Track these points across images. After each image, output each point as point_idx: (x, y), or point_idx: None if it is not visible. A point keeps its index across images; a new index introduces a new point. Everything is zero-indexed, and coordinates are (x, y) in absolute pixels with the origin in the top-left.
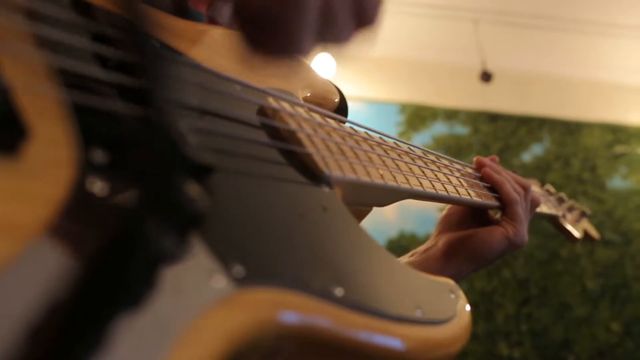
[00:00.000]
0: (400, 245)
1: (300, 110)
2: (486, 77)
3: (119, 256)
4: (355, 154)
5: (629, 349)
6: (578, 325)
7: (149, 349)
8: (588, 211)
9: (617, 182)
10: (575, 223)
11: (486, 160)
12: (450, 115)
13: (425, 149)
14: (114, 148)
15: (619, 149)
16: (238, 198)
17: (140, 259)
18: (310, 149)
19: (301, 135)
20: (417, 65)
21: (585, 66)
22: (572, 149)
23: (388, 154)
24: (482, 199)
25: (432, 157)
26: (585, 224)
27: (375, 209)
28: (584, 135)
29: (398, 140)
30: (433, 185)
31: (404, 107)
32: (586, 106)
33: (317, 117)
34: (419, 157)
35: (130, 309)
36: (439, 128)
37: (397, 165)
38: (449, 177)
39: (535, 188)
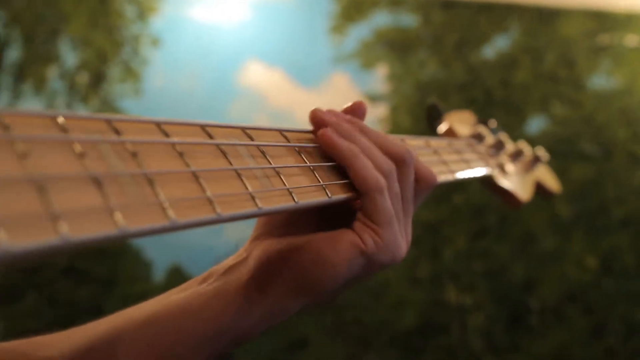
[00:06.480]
0: None
1: None
2: None
3: None
4: None
5: (607, 289)
6: (544, 261)
7: None
8: (544, 155)
9: (599, 80)
10: (524, 174)
11: (328, 114)
12: (395, 1)
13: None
14: None
15: (603, 39)
16: None
17: None
18: None
19: None
20: None
21: None
22: (545, 40)
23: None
24: (314, 197)
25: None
26: (541, 173)
27: None
28: (561, 23)
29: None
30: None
31: None
32: None
33: None
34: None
35: None
36: (381, 19)
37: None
38: (242, 173)
39: (461, 129)
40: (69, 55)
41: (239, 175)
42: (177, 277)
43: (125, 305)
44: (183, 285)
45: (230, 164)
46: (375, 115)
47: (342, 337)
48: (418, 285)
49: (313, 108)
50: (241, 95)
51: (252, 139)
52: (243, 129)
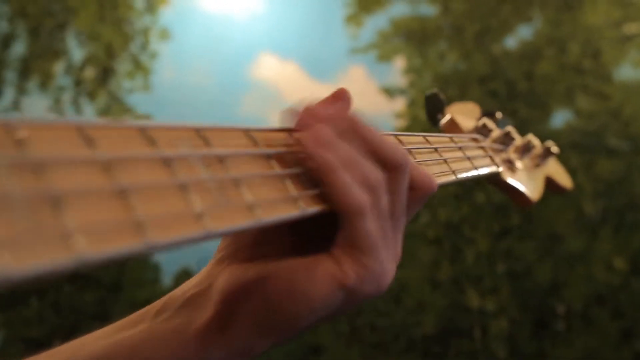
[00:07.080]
0: None
1: None
2: None
3: None
4: None
5: (637, 291)
6: (570, 263)
7: None
8: (555, 148)
9: (627, 71)
10: (534, 170)
11: (305, 114)
12: None
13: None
14: None
15: (629, 28)
16: None
17: None
18: None
19: None
20: None
21: None
22: (569, 30)
23: None
24: (282, 212)
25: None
26: (551, 168)
27: None
28: (586, 12)
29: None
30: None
31: None
32: None
33: None
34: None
35: None
36: (399, 8)
37: None
38: (189, 186)
39: (465, 121)
40: (76, 50)
41: (183, 188)
42: (186, 281)
43: (131, 311)
44: (135, 317)
45: (174, 174)
46: (393, 110)
47: (358, 343)
48: (438, 288)
49: (286, 105)
50: (254, 89)
51: (208, 144)
52: (197, 131)
